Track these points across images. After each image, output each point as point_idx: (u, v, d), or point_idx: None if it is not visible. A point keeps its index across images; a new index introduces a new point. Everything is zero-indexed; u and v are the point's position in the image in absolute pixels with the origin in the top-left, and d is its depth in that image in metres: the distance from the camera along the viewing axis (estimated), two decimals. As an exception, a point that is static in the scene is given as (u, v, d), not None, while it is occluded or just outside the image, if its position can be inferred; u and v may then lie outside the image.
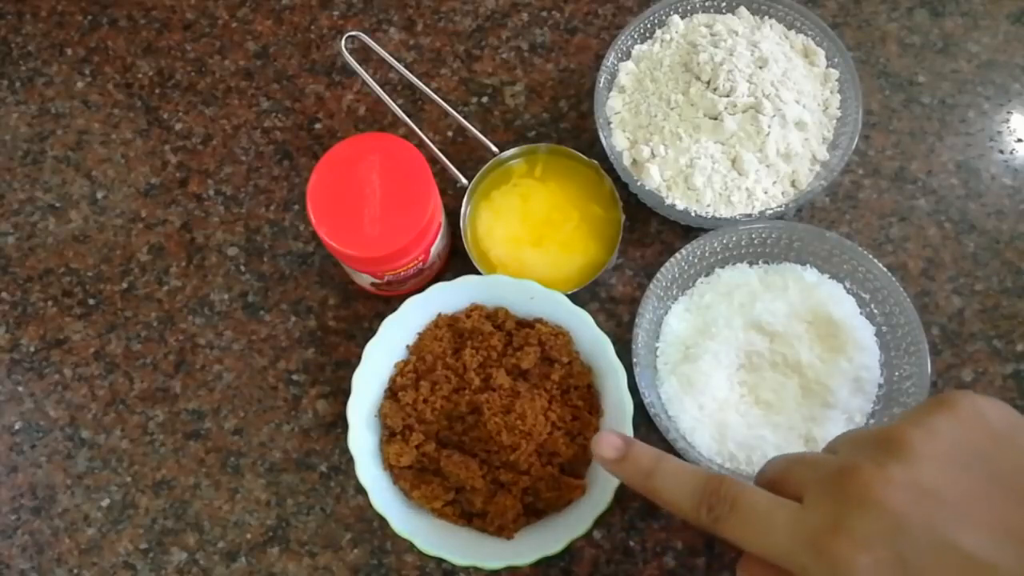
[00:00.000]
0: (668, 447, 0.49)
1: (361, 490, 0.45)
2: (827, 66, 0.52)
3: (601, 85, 0.52)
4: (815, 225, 0.51)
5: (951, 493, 0.28)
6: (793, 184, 0.50)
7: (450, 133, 0.56)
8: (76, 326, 0.53)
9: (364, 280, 0.49)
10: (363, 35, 0.54)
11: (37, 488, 0.50)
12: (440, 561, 0.47)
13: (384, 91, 0.53)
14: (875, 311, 0.48)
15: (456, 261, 0.53)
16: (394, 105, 0.52)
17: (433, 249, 0.48)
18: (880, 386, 0.47)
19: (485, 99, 0.57)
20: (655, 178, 0.50)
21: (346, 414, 0.46)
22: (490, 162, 0.52)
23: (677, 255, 0.47)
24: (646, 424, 0.47)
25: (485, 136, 0.54)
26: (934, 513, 0.27)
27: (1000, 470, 0.28)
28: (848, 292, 0.49)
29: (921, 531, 0.27)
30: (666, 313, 0.49)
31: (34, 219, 0.56)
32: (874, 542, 0.27)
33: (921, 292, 0.51)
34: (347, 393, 0.46)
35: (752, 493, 0.31)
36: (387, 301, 0.53)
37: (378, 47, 0.54)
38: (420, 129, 0.53)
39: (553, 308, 0.48)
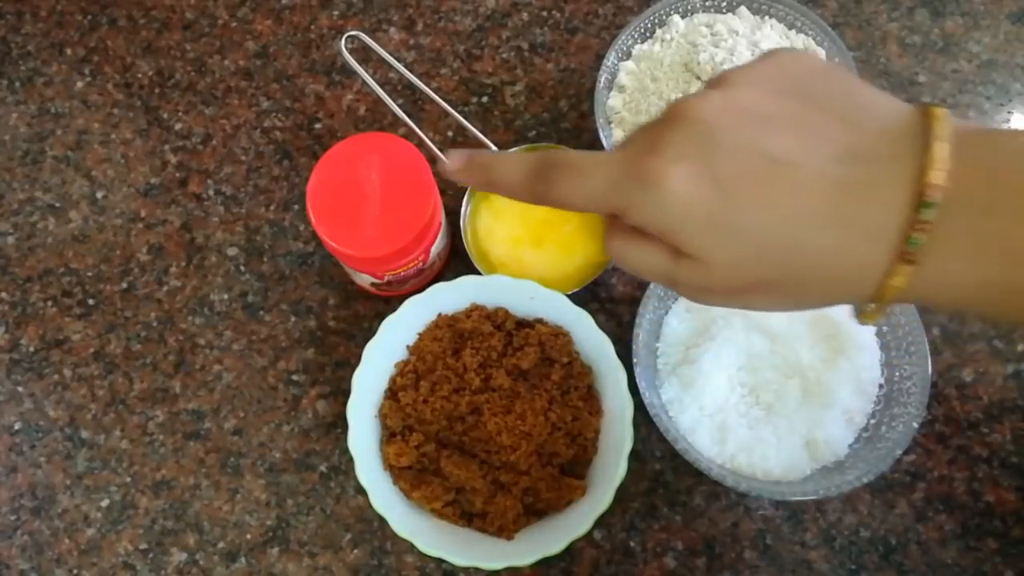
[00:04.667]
0: (668, 447, 0.49)
1: (361, 490, 0.45)
2: (828, 66, 0.52)
3: (601, 85, 0.52)
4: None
5: (763, 108, 0.28)
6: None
7: (450, 133, 0.56)
8: (76, 326, 0.53)
9: (364, 280, 0.49)
10: (363, 35, 0.54)
11: (37, 488, 0.50)
12: (440, 561, 0.47)
13: (384, 91, 0.53)
14: (876, 311, 0.48)
15: (456, 261, 0.53)
16: (394, 105, 0.52)
17: (433, 249, 0.48)
18: (881, 386, 0.47)
19: (485, 99, 0.57)
20: (655, 178, 0.49)
21: (346, 414, 0.45)
22: (490, 162, 0.52)
23: (677, 255, 0.47)
24: (646, 424, 0.47)
25: (485, 136, 0.53)
26: (743, 122, 0.28)
27: (814, 94, 0.28)
28: (849, 292, 0.49)
29: (729, 137, 0.27)
30: (666, 313, 0.49)
31: (34, 219, 0.56)
32: (685, 153, 0.28)
33: (922, 292, 0.51)
34: (347, 393, 0.46)
35: (577, 152, 0.31)
36: (387, 301, 0.53)
37: (378, 47, 0.54)
38: (420, 129, 0.53)
39: (553, 308, 0.48)
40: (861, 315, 0.28)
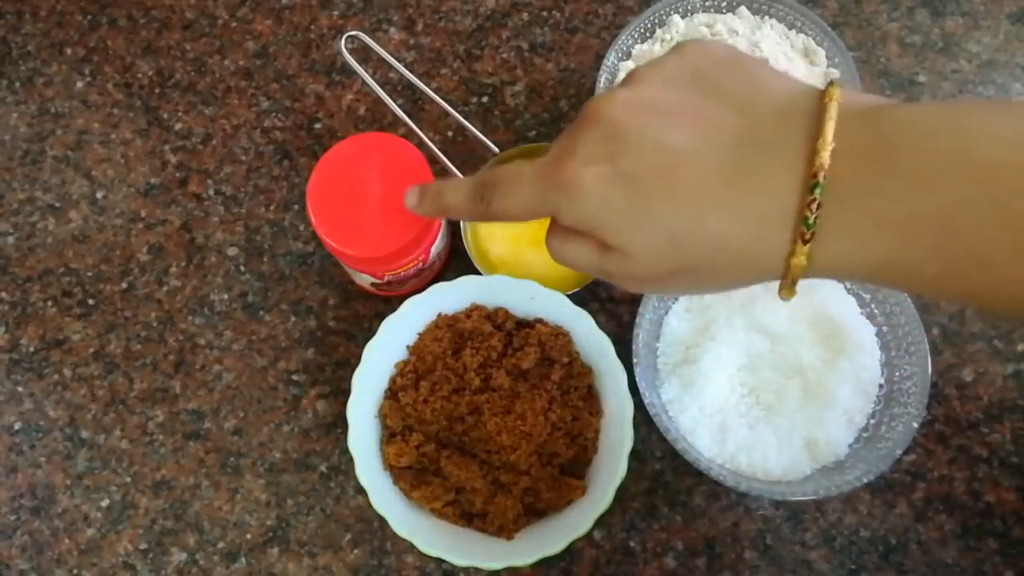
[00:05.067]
0: (668, 447, 0.49)
1: (361, 490, 0.45)
2: (828, 66, 0.52)
3: (602, 85, 0.52)
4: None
5: (666, 103, 0.29)
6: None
7: (450, 133, 0.56)
8: (76, 326, 0.53)
9: (364, 280, 0.49)
10: (363, 35, 0.54)
11: (37, 488, 0.50)
12: (440, 561, 0.47)
13: (384, 91, 0.53)
14: (875, 311, 0.48)
15: (456, 261, 0.53)
16: (394, 105, 0.52)
17: (433, 249, 0.48)
18: (881, 386, 0.47)
19: (485, 99, 0.57)
20: (655, 178, 0.49)
21: (346, 414, 0.45)
22: (490, 162, 0.52)
23: (677, 255, 0.47)
24: (646, 424, 0.47)
25: (485, 136, 0.53)
26: (646, 119, 0.29)
27: (716, 84, 0.29)
28: (848, 292, 0.49)
29: (633, 135, 0.29)
30: (666, 313, 0.49)
31: (34, 219, 0.56)
32: (595, 156, 0.29)
33: (922, 292, 0.51)
34: (347, 393, 0.46)
35: (509, 166, 0.33)
36: (387, 301, 0.53)
37: (378, 47, 0.54)
38: (420, 129, 0.53)
39: (553, 308, 0.48)
40: (780, 291, 0.29)
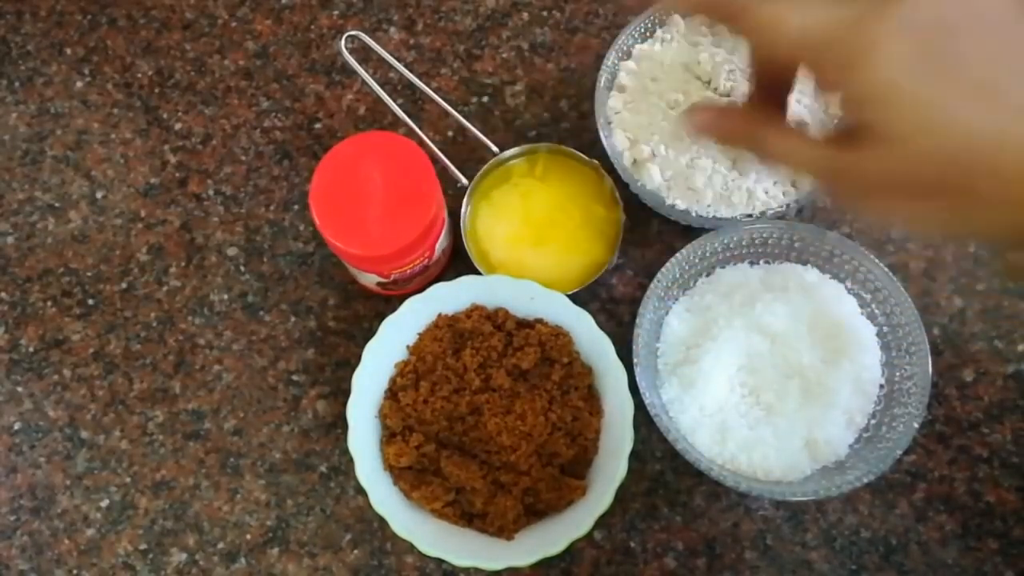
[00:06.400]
0: (669, 447, 0.49)
1: (361, 490, 0.45)
2: (828, 66, 0.52)
3: (602, 85, 0.52)
4: (816, 225, 0.51)
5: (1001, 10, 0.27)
6: (794, 184, 0.50)
7: (450, 133, 0.56)
8: (75, 326, 0.53)
9: (370, 280, 0.49)
10: (363, 35, 0.54)
11: (36, 489, 0.50)
12: (440, 562, 0.47)
13: (384, 91, 0.53)
14: (876, 311, 0.48)
15: (456, 261, 0.53)
16: (394, 105, 0.52)
17: (438, 245, 0.48)
18: (881, 387, 0.47)
19: (485, 99, 0.57)
20: (656, 178, 0.50)
21: (346, 414, 0.45)
22: (490, 162, 0.52)
23: (678, 255, 0.47)
24: (647, 424, 0.47)
25: (485, 136, 0.53)
26: (984, 19, 0.26)
27: None
28: (849, 292, 0.49)
29: (967, 24, 0.26)
30: (667, 313, 0.49)
31: (33, 219, 0.56)
32: (910, 31, 0.26)
33: (922, 292, 0.51)
34: (347, 393, 0.46)
35: None
36: (387, 301, 0.52)
37: (378, 47, 0.54)
38: (420, 129, 0.53)
39: (553, 308, 0.48)
40: (1008, 269, 0.27)
